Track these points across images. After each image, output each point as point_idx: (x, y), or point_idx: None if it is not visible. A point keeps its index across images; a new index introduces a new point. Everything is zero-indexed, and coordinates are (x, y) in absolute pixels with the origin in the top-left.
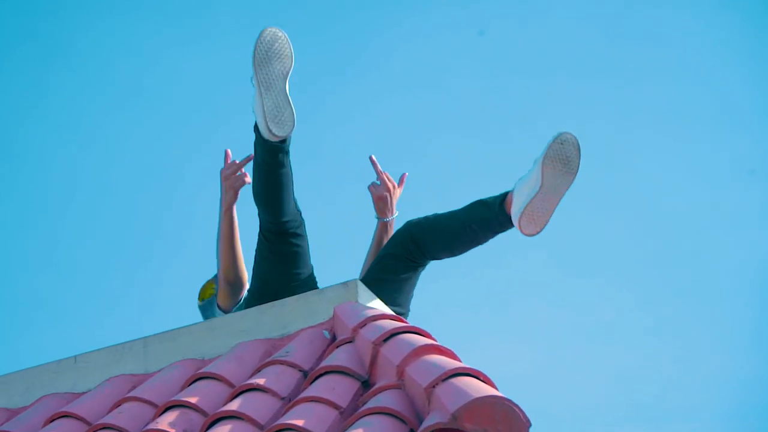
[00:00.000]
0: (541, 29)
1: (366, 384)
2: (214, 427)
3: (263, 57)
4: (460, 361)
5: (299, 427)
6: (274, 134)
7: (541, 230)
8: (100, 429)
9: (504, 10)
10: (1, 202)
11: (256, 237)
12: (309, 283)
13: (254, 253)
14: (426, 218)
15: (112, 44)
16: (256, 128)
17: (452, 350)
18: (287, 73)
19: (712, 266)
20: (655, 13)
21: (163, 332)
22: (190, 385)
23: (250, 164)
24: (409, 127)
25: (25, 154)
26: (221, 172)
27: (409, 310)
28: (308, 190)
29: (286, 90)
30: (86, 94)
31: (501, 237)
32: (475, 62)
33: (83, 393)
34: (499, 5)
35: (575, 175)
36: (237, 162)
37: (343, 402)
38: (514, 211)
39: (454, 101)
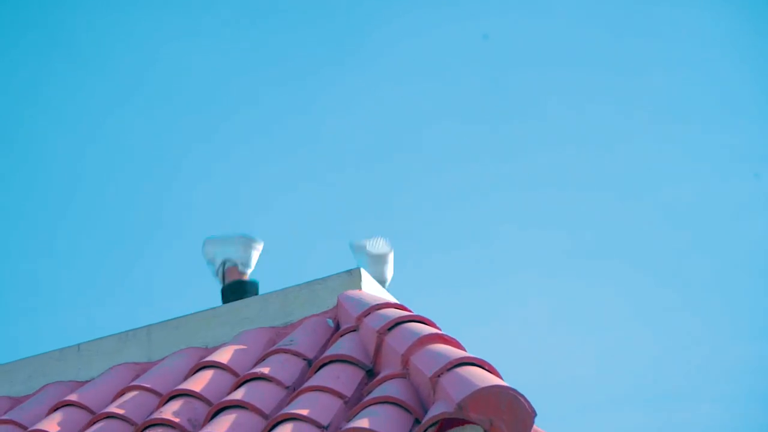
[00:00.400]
0: (544, 22)
1: (370, 373)
2: (218, 416)
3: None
4: (464, 350)
5: (304, 416)
6: (251, 245)
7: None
8: (104, 418)
9: (506, 5)
10: (4, 194)
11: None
12: None
13: None
14: None
15: (113, 38)
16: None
17: (457, 339)
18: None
19: (733, 255)
20: (657, 11)
21: (166, 320)
22: (194, 373)
23: None
24: (408, 116)
25: (27, 148)
26: None
27: None
28: (309, 176)
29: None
30: (86, 87)
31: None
32: (477, 53)
33: (87, 381)
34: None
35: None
36: None
37: (348, 391)
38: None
39: (454, 90)
